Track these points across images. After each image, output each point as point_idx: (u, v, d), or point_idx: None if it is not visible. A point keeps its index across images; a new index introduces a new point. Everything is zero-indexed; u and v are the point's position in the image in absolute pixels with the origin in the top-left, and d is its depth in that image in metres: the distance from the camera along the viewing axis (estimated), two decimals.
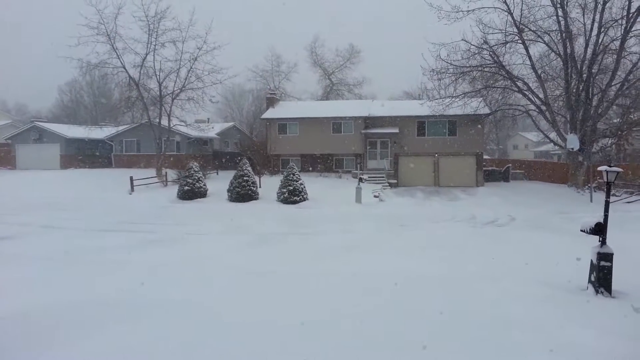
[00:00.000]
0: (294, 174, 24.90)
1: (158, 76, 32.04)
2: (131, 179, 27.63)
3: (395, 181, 31.65)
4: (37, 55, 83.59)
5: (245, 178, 25.02)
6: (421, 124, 33.16)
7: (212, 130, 40.13)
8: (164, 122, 32.91)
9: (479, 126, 32.19)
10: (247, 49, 65.08)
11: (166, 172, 30.24)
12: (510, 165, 35.94)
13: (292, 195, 24.31)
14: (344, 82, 56.57)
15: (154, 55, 31.44)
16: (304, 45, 57.20)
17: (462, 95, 29.26)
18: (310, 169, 34.66)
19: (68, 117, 55.31)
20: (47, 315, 6.63)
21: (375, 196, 25.49)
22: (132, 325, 6.27)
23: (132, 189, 27.31)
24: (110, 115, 47.59)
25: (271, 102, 37.84)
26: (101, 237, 15.20)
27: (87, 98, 60.24)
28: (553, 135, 31.92)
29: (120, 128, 37.89)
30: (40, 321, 6.39)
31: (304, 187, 25.00)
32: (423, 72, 27.88)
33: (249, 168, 25.72)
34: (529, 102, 30.12)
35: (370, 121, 34.03)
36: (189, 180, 25.56)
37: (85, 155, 39.64)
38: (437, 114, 30.24)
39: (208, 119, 44.99)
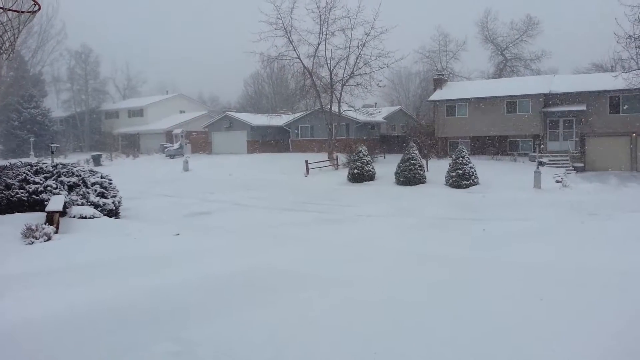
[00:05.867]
0: (463, 157, 24.04)
1: (329, 64, 33.73)
2: (306, 162, 29.80)
3: (581, 165, 28.33)
4: (226, 52, 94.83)
5: (412, 161, 25.00)
6: (614, 100, 29.01)
7: (379, 115, 40.81)
8: (335, 108, 34.57)
9: None
10: (414, 31, 64.09)
11: (337, 156, 31.82)
12: None
13: (461, 179, 23.53)
14: (519, 57, 52.09)
15: (325, 44, 33.16)
16: (475, 21, 53.98)
17: None
18: (481, 152, 33.00)
19: (252, 107, 61.72)
20: (240, 277, 7.73)
21: (557, 181, 23.21)
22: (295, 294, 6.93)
23: (307, 172, 29.45)
24: (286, 104, 51.70)
25: (439, 83, 36.88)
26: (280, 215, 16.87)
27: (267, 88, 66.25)
28: None
29: (296, 115, 40.94)
30: (233, 282, 7.46)
31: (474, 170, 23.97)
32: (617, 39, 24.21)
33: (416, 151, 25.60)
34: None
35: (550, 99, 30.94)
36: (358, 163, 26.53)
37: (266, 140, 43.89)
38: (635, 87, 26.04)
39: (375, 103, 45.78)
